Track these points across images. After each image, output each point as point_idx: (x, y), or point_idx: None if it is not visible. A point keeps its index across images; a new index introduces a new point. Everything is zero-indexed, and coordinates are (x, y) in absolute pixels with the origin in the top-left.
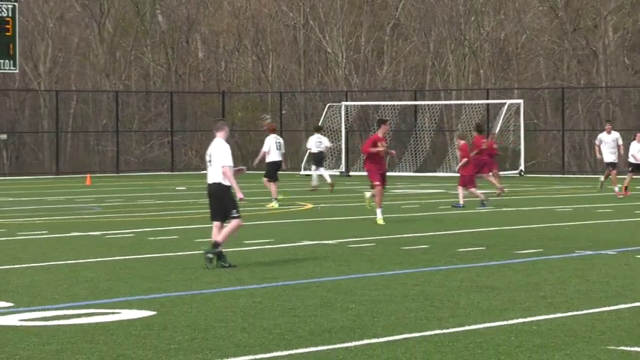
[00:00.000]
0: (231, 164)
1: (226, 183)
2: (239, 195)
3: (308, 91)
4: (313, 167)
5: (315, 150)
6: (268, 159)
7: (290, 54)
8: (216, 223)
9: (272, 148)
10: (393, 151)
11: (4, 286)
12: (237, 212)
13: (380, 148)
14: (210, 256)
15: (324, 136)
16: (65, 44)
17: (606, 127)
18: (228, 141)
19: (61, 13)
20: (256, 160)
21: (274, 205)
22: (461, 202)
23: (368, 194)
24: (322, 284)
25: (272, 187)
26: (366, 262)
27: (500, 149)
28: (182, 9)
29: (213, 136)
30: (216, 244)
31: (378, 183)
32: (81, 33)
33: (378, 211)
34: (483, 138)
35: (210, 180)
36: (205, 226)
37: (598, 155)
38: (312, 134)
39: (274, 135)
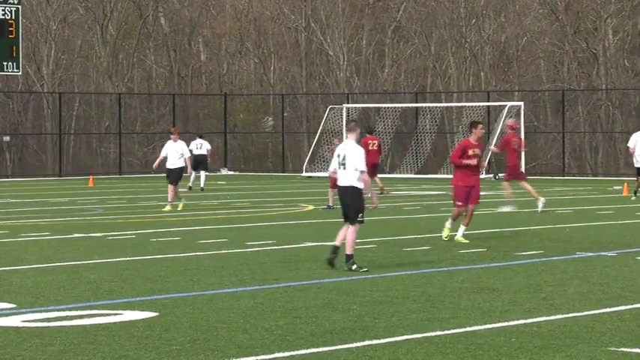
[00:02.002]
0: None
1: (360, 186)
2: (375, 202)
3: (309, 93)
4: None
5: (196, 152)
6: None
7: (292, 56)
8: (345, 226)
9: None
10: (484, 163)
11: (7, 287)
12: (363, 217)
13: (473, 160)
14: (332, 261)
15: (205, 140)
16: (68, 46)
17: None
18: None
19: (64, 16)
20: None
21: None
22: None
23: (448, 225)
24: (324, 285)
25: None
26: (368, 264)
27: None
28: (184, 12)
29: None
30: (347, 257)
31: (460, 204)
32: (84, 35)
33: (462, 228)
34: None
35: (343, 182)
36: (208, 227)
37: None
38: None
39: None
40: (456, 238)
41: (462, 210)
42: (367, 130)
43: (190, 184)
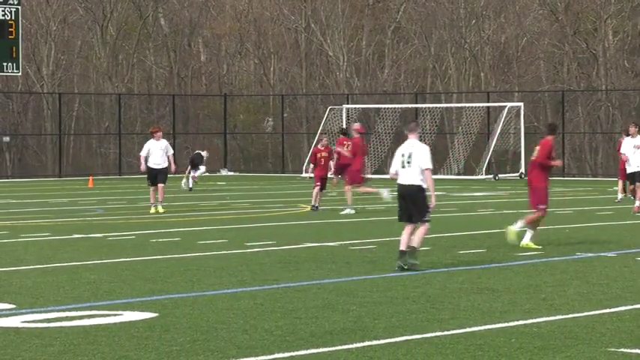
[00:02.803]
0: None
1: (424, 185)
2: (433, 202)
3: (309, 94)
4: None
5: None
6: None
7: (292, 57)
8: (408, 226)
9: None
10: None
11: (7, 287)
12: (429, 216)
13: (558, 162)
14: (405, 266)
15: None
16: (68, 47)
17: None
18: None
19: (64, 16)
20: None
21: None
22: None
23: (517, 228)
24: (323, 286)
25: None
26: (368, 264)
27: (500, 152)
28: (184, 12)
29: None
30: (412, 249)
31: (544, 207)
32: (84, 36)
33: (530, 233)
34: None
35: (408, 181)
36: (208, 228)
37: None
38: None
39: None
40: (525, 244)
41: (542, 215)
42: (341, 131)
43: (191, 184)
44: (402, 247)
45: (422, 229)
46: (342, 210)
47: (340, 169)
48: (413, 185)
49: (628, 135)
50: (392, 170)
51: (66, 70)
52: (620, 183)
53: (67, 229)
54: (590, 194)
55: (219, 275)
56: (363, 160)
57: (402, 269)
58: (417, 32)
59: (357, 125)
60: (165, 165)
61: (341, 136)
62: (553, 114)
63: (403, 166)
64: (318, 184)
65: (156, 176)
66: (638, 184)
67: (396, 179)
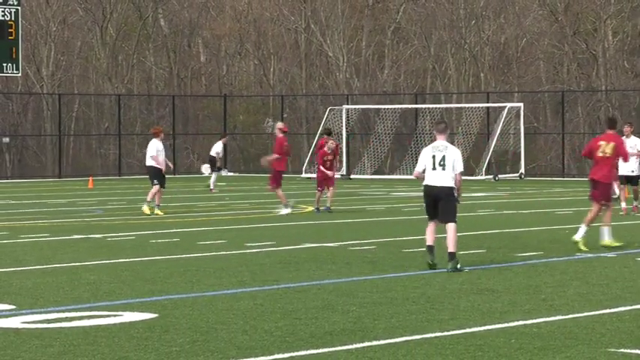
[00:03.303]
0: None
1: (454, 186)
2: (460, 199)
3: (309, 94)
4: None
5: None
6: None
7: (291, 57)
8: (432, 223)
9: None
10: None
11: (7, 288)
12: (456, 216)
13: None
14: (432, 263)
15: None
16: (68, 48)
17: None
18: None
19: (64, 17)
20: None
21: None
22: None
23: (583, 233)
24: (323, 287)
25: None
26: (367, 265)
27: (500, 153)
28: (184, 13)
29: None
30: (451, 255)
31: (609, 202)
32: (83, 37)
33: (606, 229)
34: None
35: (440, 183)
36: (207, 228)
37: None
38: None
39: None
40: (607, 242)
41: (601, 210)
42: (326, 131)
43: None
44: (430, 243)
45: (453, 232)
46: (278, 211)
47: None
48: (445, 187)
49: (623, 135)
50: (419, 169)
51: (66, 70)
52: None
53: (66, 230)
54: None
55: (219, 276)
56: (286, 160)
57: (430, 266)
58: (417, 33)
59: (280, 124)
60: (163, 166)
61: (325, 135)
62: (553, 114)
63: (434, 168)
64: (320, 189)
65: (163, 177)
66: (634, 186)
67: (421, 178)
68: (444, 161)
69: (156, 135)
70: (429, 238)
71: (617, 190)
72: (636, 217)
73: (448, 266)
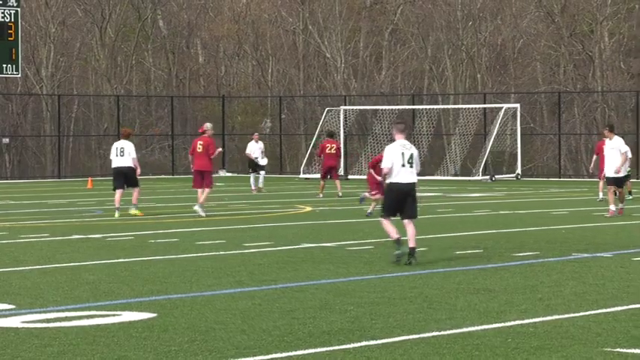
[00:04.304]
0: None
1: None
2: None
3: (307, 95)
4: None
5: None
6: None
7: (289, 59)
8: (390, 220)
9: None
10: None
11: (6, 288)
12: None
13: None
14: (400, 252)
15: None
16: (67, 49)
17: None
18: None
19: (63, 18)
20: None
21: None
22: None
23: None
24: (321, 286)
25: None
26: (365, 265)
27: (497, 153)
28: (183, 14)
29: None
30: (413, 250)
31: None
32: (83, 38)
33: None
34: None
35: (410, 180)
36: (206, 228)
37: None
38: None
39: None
40: None
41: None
42: (328, 134)
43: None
44: (397, 235)
45: (413, 228)
46: (194, 209)
47: (327, 171)
48: (413, 184)
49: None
50: (388, 165)
51: (65, 71)
52: (601, 183)
53: (66, 230)
54: (586, 195)
55: (218, 276)
56: (212, 161)
57: (399, 258)
58: (414, 34)
59: (205, 126)
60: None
61: (326, 137)
62: (549, 115)
63: (404, 165)
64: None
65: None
66: (619, 188)
67: (387, 175)
68: (411, 159)
69: (127, 137)
70: (394, 230)
71: (600, 194)
72: (634, 217)
73: (410, 261)
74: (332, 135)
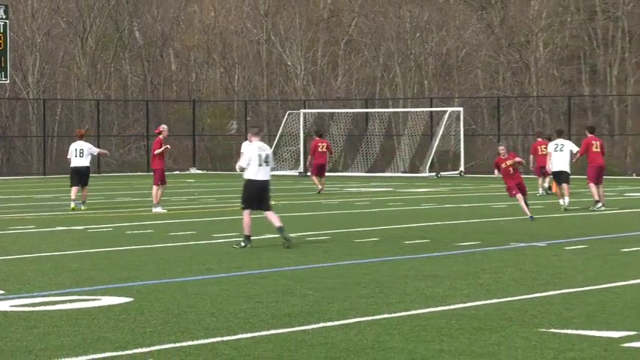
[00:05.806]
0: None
1: None
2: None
3: (270, 99)
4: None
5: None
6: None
7: (254, 66)
8: (250, 213)
9: (72, 154)
10: None
11: None
12: None
13: None
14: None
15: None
16: (51, 57)
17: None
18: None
19: (48, 30)
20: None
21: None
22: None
23: None
24: (283, 273)
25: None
26: (322, 254)
27: (442, 152)
28: (157, 26)
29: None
30: (282, 228)
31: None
32: (66, 47)
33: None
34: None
35: (267, 177)
36: (178, 221)
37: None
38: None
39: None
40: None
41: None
42: (317, 133)
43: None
44: (248, 232)
45: (273, 212)
46: (155, 208)
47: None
48: (269, 180)
49: (540, 137)
50: (243, 164)
51: (49, 78)
52: (540, 179)
53: (50, 222)
54: None
55: (189, 263)
56: (160, 159)
57: (246, 244)
58: (367, 44)
59: (161, 127)
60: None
61: (316, 137)
62: (489, 118)
63: (261, 164)
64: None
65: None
66: (564, 184)
67: (244, 170)
68: (267, 159)
69: (81, 137)
70: (249, 227)
71: (540, 190)
72: (565, 210)
73: (286, 236)
74: (321, 135)
